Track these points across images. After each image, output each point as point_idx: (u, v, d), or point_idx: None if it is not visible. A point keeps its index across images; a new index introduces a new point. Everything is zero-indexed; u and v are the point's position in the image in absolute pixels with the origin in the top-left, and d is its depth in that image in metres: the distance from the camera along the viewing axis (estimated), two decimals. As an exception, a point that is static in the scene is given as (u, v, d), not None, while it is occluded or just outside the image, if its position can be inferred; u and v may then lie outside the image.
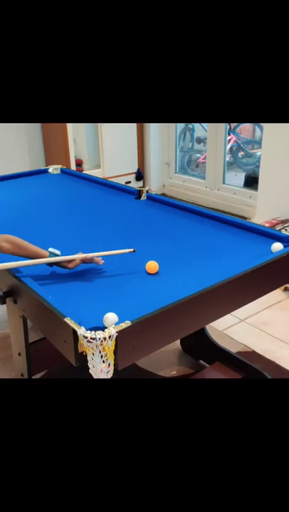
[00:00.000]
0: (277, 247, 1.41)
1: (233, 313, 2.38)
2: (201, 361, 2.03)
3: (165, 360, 2.06)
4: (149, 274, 1.32)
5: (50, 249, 1.33)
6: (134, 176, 4.37)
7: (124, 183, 4.08)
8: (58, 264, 1.33)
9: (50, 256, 1.31)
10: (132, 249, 1.35)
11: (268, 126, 3.17)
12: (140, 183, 4.43)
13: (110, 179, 3.89)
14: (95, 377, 1.00)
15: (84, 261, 1.33)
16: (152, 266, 1.32)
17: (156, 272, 1.32)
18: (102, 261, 1.35)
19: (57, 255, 1.32)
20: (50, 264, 1.33)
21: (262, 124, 3.69)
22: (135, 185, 4.34)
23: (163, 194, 4.47)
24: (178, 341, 2.12)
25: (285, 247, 1.42)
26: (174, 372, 1.99)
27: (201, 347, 2.00)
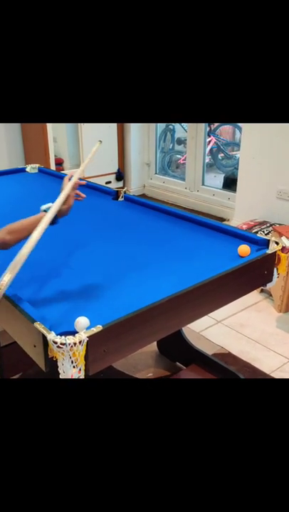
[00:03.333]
0: (244, 250, 1.40)
1: (210, 314, 2.38)
2: (178, 363, 2.04)
3: (142, 362, 2.05)
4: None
5: (43, 207, 1.25)
6: (114, 176, 4.36)
7: (104, 183, 4.07)
8: (59, 216, 1.25)
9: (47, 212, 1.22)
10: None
11: (246, 129, 3.20)
12: (120, 184, 4.41)
13: (90, 179, 3.86)
14: (65, 382, 0.98)
15: (75, 189, 1.28)
16: (244, 250, 1.39)
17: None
18: (84, 195, 1.32)
19: (50, 207, 1.23)
20: (53, 222, 1.23)
21: (241, 126, 3.72)
22: (115, 185, 4.33)
23: (143, 195, 4.47)
24: (155, 343, 2.12)
25: (258, 249, 1.43)
26: (151, 374, 1.98)
27: (177, 349, 2.00)
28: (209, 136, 4.52)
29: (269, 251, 1.41)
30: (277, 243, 1.44)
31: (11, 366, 1.53)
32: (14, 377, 1.75)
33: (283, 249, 1.43)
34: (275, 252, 1.42)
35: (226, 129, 5.11)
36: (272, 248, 1.42)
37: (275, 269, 1.44)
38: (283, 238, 1.44)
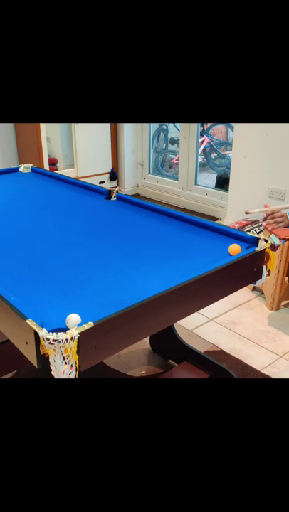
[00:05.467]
0: (234, 249, 1.43)
1: (203, 312, 2.42)
2: (170, 361, 2.06)
3: (134, 359, 2.07)
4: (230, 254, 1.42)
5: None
6: (108, 176, 4.37)
7: (98, 183, 4.08)
8: None
9: None
10: None
11: (237, 128, 3.23)
12: (114, 183, 4.43)
13: (84, 179, 3.87)
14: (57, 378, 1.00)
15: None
16: (234, 249, 1.43)
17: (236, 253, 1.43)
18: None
19: None
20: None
21: (233, 125, 3.74)
22: (109, 185, 4.34)
23: (136, 194, 4.48)
24: (147, 341, 2.14)
25: (248, 247, 1.45)
26: (143, 372, 2.00)
27: (169, 346, 2.02)
28: (202, 135, 4.55)
29: (258, 249, 1.44)
30: (266, 241, 1.46)
31: (5, 364, 1.54)
32: (8, 374, 1.77)
33: (273, 247, 1.46)
34: (264, 249, 1.44)
35: (219, 129, 5.14)
36: (262, 246, 1.45)
37: (264, 267, 1.46)
38: (272, 236, 1.46)
